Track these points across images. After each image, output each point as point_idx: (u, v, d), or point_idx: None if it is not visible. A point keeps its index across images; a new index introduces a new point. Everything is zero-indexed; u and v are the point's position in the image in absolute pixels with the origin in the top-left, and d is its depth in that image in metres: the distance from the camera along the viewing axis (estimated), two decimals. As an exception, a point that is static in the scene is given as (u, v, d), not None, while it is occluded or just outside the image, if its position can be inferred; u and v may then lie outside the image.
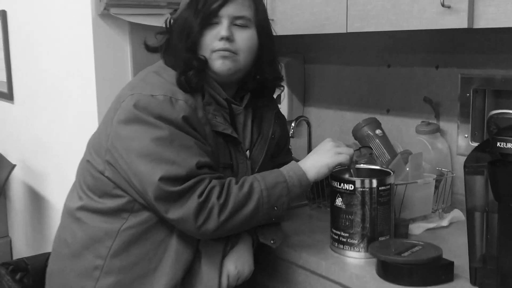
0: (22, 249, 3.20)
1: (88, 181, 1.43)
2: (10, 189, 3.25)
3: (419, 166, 1.63)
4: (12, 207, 3.28)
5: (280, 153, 1.66)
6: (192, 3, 1.41)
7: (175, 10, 1.50)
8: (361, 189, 1.39)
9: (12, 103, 3.01)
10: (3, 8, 2.93)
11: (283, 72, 2.23)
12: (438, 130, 1.81)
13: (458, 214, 1.67)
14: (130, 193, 1.36)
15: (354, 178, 1.41)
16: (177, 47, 1.41)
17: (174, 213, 1.28)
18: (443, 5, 1.36)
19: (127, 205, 1.37)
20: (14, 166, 2.62)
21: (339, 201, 1.42)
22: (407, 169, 1.62)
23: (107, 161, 1.37)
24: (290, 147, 1.79)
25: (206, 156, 1.33)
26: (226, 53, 1.40)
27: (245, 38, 1.43)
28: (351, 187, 1.40)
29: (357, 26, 1.62)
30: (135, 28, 2.12)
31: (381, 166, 1.55)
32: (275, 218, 1.38)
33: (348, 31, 1.64)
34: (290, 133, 2.04)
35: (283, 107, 2.27)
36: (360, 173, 1.49)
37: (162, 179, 1.26)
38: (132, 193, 1.35)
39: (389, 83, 1.99)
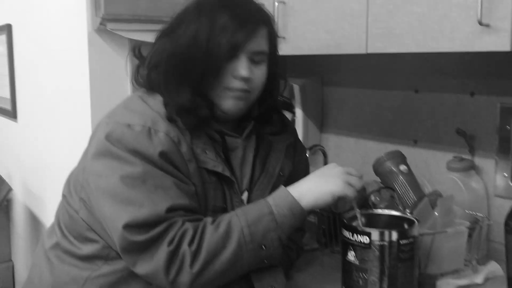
0: (24, 274, 3.03)
1: (65, 219, 1.26)
2: (13, 211, 3.10)
3: (449, 212, 1.39)
4: (15, 231, 3.12)
5: None
6: (207, 27, 1.16)
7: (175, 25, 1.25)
8: (379, 243, 1.16)
9: (16, 121, 2.86)
10: (8, 22, 2.79)
11: (297, 95, 2.03)
12: (472, 167, 1.56)
13: (495, 268, 1.42)
14: (104, 237, 1.17)
15: (370, 230, 1.17)
16: (179, 80, 1.18)
17: (142, 267, 1.08)
18: (480, 23, 1.13)
19: (102, 251, 1.19)
20: (9, 189, 2.44)
21: (351, 255, 1.19)
22: (436, 214, 1.38)
23: (82, 199, 1.19)
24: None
25: (186, 197, 1.12)
26: (242, 94, 1.20)
27: (261, 75, 1.23)
28: (367, 239, 1.17)
29: (378, 46, 1.39)
30: (136, 45, 1.93)
31: (404, 212, 1.31)
32: (268, 260, 1.14)
33: (368, 51, 1.42)
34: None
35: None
36: (378, 220, 1.26)
37: (127, 226, 1.06)
38: (106, 238, 1.16)
39: (416, 111, 1.75)
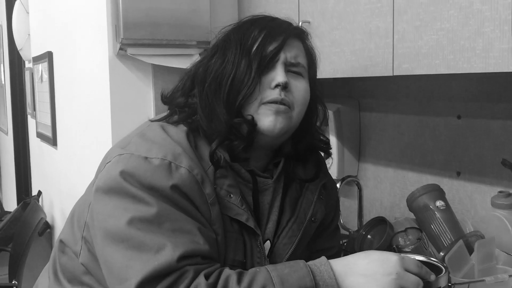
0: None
1: (62, 261, 1.14)
2: (54, 239, 3.07)
3: (489, 257, 1.20)
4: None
5: (321, 236, 1.24)
6: (238, 43, 1.08)
7: (205, 50, 1.18)
8: (397, 295, 0.99)
9: (56, 148, 2.84)
10: (50, 50, 2.80)
11: (331, 121, 1.89)
12: (521, 203, 1.36)
13: (548, 323, 1.21)
14: (103, 285, 1.03)
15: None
16: (214, 104, 1.05)
17: None
18: (516, 38, 0.96)
19: None
20: (41, 218, 2.41)
21: (366, 309, 1.03)
22: (472, 260, 1.19)
23: (84, 238, 1.07)
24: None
25: (207, 243, 0.97)
26: (281, 107, 1.06)
27: (301, 89, 1.10)
28: (382, 291, 1.00)
29: (405, 67, 1.24)
30: (159, 70, 1.85)
31: (430, 258, 1.13)
32: None
33: (394, 73, 1.27)
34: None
35: (333, 165, 1.89)
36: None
37: (144, 281, 0.89)
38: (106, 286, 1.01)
39: (459, 139, 1.56)
